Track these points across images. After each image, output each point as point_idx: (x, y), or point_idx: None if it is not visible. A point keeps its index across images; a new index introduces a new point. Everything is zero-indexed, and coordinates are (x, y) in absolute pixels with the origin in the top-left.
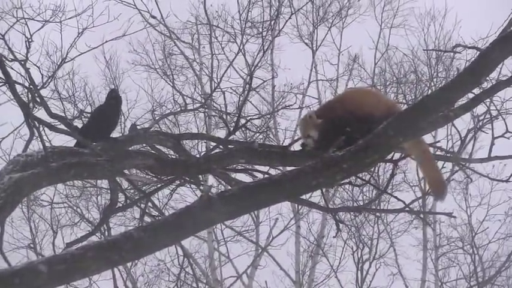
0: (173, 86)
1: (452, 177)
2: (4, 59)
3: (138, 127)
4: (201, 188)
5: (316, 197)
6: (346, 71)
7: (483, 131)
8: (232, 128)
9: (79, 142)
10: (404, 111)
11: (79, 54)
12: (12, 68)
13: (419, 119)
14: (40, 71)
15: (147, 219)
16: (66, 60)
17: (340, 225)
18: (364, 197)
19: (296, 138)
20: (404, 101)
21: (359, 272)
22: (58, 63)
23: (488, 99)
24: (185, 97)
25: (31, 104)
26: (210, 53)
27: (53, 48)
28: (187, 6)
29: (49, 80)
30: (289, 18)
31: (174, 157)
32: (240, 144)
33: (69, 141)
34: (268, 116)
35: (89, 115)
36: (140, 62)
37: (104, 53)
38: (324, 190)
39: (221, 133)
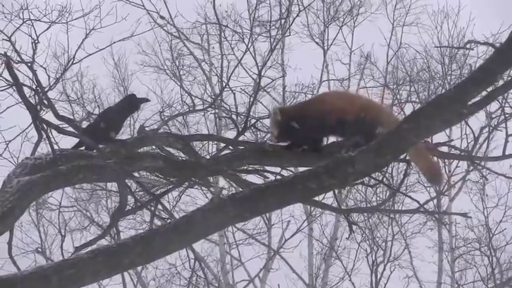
0: (182, 87)
1: (468, 177)
2: (11, 61)
3: (147, 129)
4: (212, 190)
5: (328, 198)
6: (357, 70)
7: (498, 129)
8: (241, 129)
9: (87, 144)
10: (419, 109)
11: (87, 56)
12: (19, 70)
13: (433, 117)
14: (47, 73)
15: (157, 222)
16: (74, 62)
17: (354, 227)
18: (378, 197)
19: None
20: (417, 99)
21: (373, 274)
22: (65, 65)
23: (502, 97)
24: (194, 97)
25: (38, 107)
26: (220, 53)
27: (60, 49)
28: (195, 6)
29: (56, 82)
30: (297, 15)
31: (183, 159)
32: (250, 145)
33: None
34: None
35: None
36: (149, 63)
37: (112, 54)
38: (336, 191)
39: (231, 134)
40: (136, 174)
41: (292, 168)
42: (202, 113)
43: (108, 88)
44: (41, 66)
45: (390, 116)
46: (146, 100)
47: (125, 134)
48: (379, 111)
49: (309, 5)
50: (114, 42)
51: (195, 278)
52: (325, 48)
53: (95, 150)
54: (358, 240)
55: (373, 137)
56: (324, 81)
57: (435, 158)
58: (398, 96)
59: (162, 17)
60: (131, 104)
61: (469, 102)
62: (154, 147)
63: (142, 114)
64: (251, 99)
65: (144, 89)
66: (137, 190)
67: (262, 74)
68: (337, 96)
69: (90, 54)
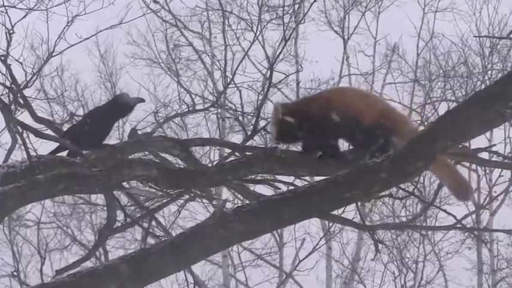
0: (179, 83)
1: None
2: None
3: (139, 132)
4: (214, 203)
5: (350, 212)
6: (383, 63)
7: None
8: (250, 132)
9: (69, 150)
10: (454, 109)
11: (68, 47)
12: None
13: (471, 117)
14: (23, 68)
15: (150, 240)
16: (54, 54)
17: (380, 245)
18: (407, 212)
19: None
20: (453, 97)
21: None
22: (44, 58)
23: None
24: (194, 95)
25: (13, 107)
26: (223, 43)
27: (38, 40)
28: None
29: (34, 78)
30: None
31: (181, 167)
32: (259, 150)
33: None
34: None
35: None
36: (141, 56)
37: (98, 45)
38: (359, 204)
39: (237, 138)
40: (126, 185)
41: (307, 178)
42: (203, 114)
43: (93, 84)
44: (17, 60)
45: (408, 125)
46: (140, 100)
47: (113, 138)
48: (397, 118)
49: None
50: (100, 31)
51: None
52: (346, 37)
53: (78, 157)
54: (385, 261)
55: (390, 148)
56: (344, 76)
57: (461, 169)
58: (430, 94)
59: (155, 1)
60: (122, 104)
61: None
62: (147, 153)
63: (133, 115)
64: (260, 98)
65: (135, 85)
66: (128, 203)
67: (273, 68)
68: (352, 95)
69: (72, 45)
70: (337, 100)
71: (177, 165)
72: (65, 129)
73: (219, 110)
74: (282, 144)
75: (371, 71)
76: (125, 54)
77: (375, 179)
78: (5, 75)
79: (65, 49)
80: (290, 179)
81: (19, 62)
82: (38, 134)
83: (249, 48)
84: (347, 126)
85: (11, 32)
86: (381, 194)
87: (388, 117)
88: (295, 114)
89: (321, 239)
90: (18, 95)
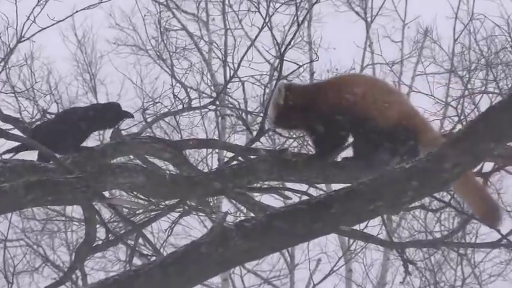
0: (172, 75)
1: None
2: None
3: (124, 132)
4: (213, 216)
5: (374, 227)
6: (413, 50)
7: None
8: (255, 132)
9: (40, 153)
10: (498, 104)
11: (39, 31)
12: None
13: None
14: None
15: (137, 261)
16: (22, 40)
17: (410, 267)
18: (443, 226)
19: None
20: (496, 90)
21: None
22: (11, 45)
23: None
24: (189, 90)
25: None
26: (223, 27)
27: (3, 24)
28: None
29: None
30: None
31: (173, 173)
32: (267, 153)
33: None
34: None
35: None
36: (125, 41)
37: (74, 28)
38: (385, 218)
39: (240, 139)
40: (108, 194)
41: (323, 186)
42: (200, 112)
43: (69, 76)
44: None
45: (432, 132)
46: (129, 116)
47: (91, 139)
48: (420, 124)
49: None
50: (77, 12)
51: None
52: (369, 20)
53: (50, 161)
54: (416, 286)
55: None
56: (367, 65)
57: (487, 187)
58: (469, 86)
59: None
60: (111, 115)
61: None
62: (133, 157)
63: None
64: (267, 92)
65: (119, 76)
66: (110, 217)
67: (283, 57)
68: (371, 88)
69: (43, 29)
70: (352, 92)
71: (169, 172)
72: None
73: (219, 107)
74: (280, 129)
75: (399, 60)
76: (106, 39)
77: (404, 188)
78: None
79: (35, 33)
80: (303, 187)
81: None
82: (3, 134)
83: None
84: (358, 124)
85: None
86: (411, 206)
87: (409, 122)
88: (301, 98)
89: (339, 259)
90: None
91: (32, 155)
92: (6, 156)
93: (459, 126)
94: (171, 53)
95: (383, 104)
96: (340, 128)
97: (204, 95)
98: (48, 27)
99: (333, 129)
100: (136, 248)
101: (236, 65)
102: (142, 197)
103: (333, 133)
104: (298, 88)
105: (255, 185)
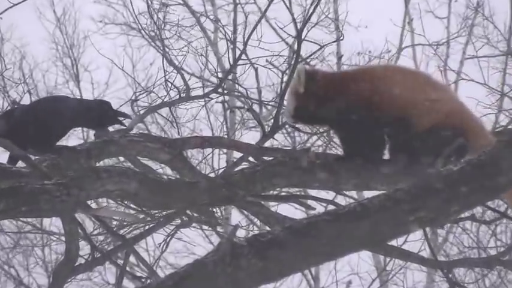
0: (167, 58)
1: None
2: None
3: (111, 129)
4: (220, 230)
5: (415, 242)
6: (462, 28)
7: None
8: (269, 128)
9: (11, 153)
10: None
11: (10, 7)
12: None
13: None
14: None
15: (128, 284)
16: None
17: None
18: (498, 242)
19: None
20: None
21: None
22: None
23: None
24: (188, 76)
25: None
26: (232, 1)
27: None
28: None
29: None
30: None
31: (171, 178)
32: (284, 154)
33: None
34: None
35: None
36: (113, 19)
37: (52, 4)
38: (428, 231)
39: (252, 136)
40: (93, 204)
41: (353, 193)
42: (203, 102)
43: (46, 61)
44: None
45: (486, 137)
46: (125, 116)
47: (72, 136)
48: (471, 126)
49: None
50: None
51: None
52: None
53: (23, 163)
54: None
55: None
56: (406, 46)
57: None
58: None
59: None
60: (100, 115)
61: None
62: (123, 159)
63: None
64: (284, 78)
65: (105, 61)
66: (95, 231)
67: (303, 37)
68: (414, 81)
69: (14, 5)
70: (388, 86)
71: (166, 176)
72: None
73: (226, 98)
74: (299, 124)
75: (444, 40)
76: (90, 17)
77: (451, 195)
78: None
79: (5, 10)
80: (329, 195)
81: None
82: None
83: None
84: (394, 123)
85: None
86: (459, 217)
87: (455, 120)
88: (325, 87)
89: (373, 281)
90: None
91: (1, 157)
92: None
93: None
94: (167, 32)
95: (424, 101)
96: (372, 127)
97: (208, 83)
98: (20, 2)
99: (364, 127)
100: (127, 268)
101: (244, 45)
102: (134, 206)
103: (364, 132)
104: (323, 75)
105: (271, 192)
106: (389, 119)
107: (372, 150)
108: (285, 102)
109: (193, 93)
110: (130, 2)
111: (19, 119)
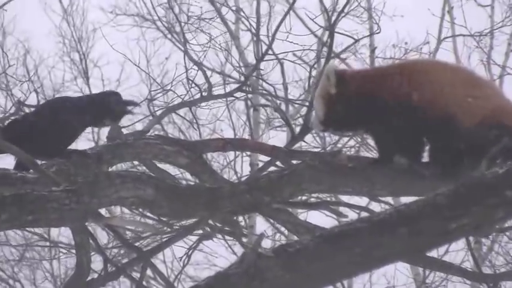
0: (188, 54)
1: None
2: None
3: (125, 130)
4: (244, 240)
5: (457, 253)
6: (507, 17)
7: None
8: (298, 129)
9: (18, 158)
10: None
11: None
12: None
13: None
14: None
15: None
16: None
17: None
18: None
19: None
20: None
21: None
22: None
23: None
24: (210, 73)
25: None
26: None
27: None
28: None
29: None
30: None
31: (191, 184)
32: (314, 156)
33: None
34: None
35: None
36: (125, 10)
37: None
38: (472, 240)
39: (278, 138)
40: (105, 212)
41: (389, 199)
42: (225, 101)
43: (53, 56)
44: None
45: None
46: (134, 104)
47: (83, 139)
48: None
49: None
50: None
51: None
52: None
53: (30, 170)
54: None
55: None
56: (445, 38)
57: None
58: None
59: None
60: (108, 107)
61: None
62: (137, 162)
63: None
64: (314, 74)
65: (117, 56)
66: (109, 243)
67: (334, 28)
68: (455, 77)
69: None
70: (427, 82)
71: (185, 182)
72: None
73: (250, 96)
74: (328, 132)
75: (487, 30)
76: (100, 7)
77: (497, 200)
78: None
79: (8, 1)
80: (363, 201)
81: None
82: None
83: None
84: (435, 123)
85: None
86: (506, 225)
87: (501, 118)
88: (358, 86)
89: None
90: None
91: (7, 162)
92: None
93: None
94: (185, 25)
95: (467, 98)
96: (411, 127)
97: (230, 79)
98: None
99: (402, 127)
100: (144, 283)
101: (271, 38)
102: (150, 215)
103: (401, 133)
104: (352, 74)
105: (299, 198)
106: (429, 117)
107: (410, 153)
108: (314, 107)
109: (214, 91)
110: None
111: (27, 124)
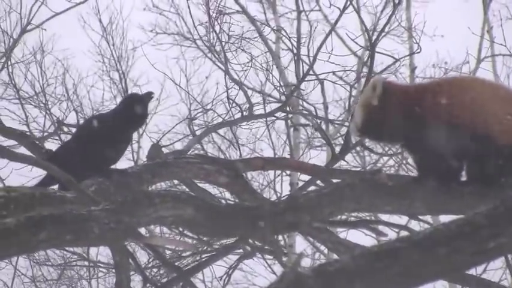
0: (229, 73)
1: None
2: None
3: (165, 149)
4: (284, 259)
5: (495, 271)
6: None
7: None
8: (340, 148)
9: (57, 178)
10: None
11: (52, 16)
12: None
13: None
14: None
15: None
16: (29, 28)
17: None
18: None
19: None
20: None
21: None
22: (14, 35)
23: None
24: (250, 92)
25: None
26: (296, 9)
27: (5, 7)
28: None
29: None
30: None
31: (231, 203)
32: (354, 175)
33: (34, 177)
34: None
35: (74, 129)
36: (165, 29)
37: (98, 12)
38: (511, 258)
39: (319, 157)
40: (145, 232)
41: (428, 218)
42: (266, 121)
43: (92, 75)
44: None
45: None
46: (149, 95)
47: (122, 158)
48: None
49: None
50: None
51: None
52: None
53: (69, 189)
54: None
55: None
56: (485, 57)
57: None
58: None
59: None
60: (132, 109)
61: None
62: (177, 181)
63: (156, 120)
64: (354, 94)
65: (157, 75)
66: (148, 262)
67: (375, 48)
68: (495, 95)
69: (57, 14)
70: (467, 100)
71: (225, 201)
72: (47, 144)
73: (290, 116)
74: (366, 138)
75: None
76: (140, 26)
77: None
78: None
79: (47, 20)
80: (402, 220)
81: None
82: (6, 153)
83: (339, 18)
84: (474, 141)
85: None
86: None
87: None
88: (400, 100)
89: None
90: None
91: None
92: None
93: None
94: (226, 44)
95: (506, 115)
96: (449, 145)
97: (270, 98)
98: (63, 11)
99: (441, 144)
100: None
101: (312, 58)
102: (190, 234)
103: (440, 150)
104: (397, 88)
105: (339, 217)
106: (468, 134)
107: (448, 171)
108: (354, 115)
109: (255, 111)
110: (189, 12)
111: (66, 145)
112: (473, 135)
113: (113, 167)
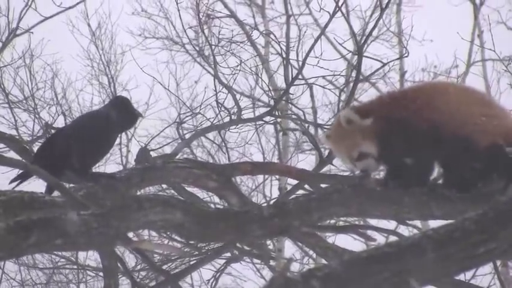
0: (218, 77)
1: None
2: None
3: (153, 153)
4: (272, 264)
5: (484, 277)
6: None
7: None
8: (327, 152)
9: (48, 182)
10: None
11: (41, 21)
12: None
13: None
14: None
15: None
16: (19, 32)
17: None
18: None
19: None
20: None
21: None
22: (4, 39)
23: None
24: (239, 96)
25: None
26: (285, 13)
27: None
28: None
29: None
30: None
31: (220, 208)
32: (342, 180)
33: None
34: None
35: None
36: (154, 33)
37: (87, 17)
38: (499, 264)
39: (307, 161)
40: (134, 236)
41: (417, 223)
42: (254, 125)
43: (81, 79)
44: None
45: None
46: (139, 115)
47: (111, 162)
48: None
49: None
50: None
51: None
52: (477, 1)
53: (58, 193)
54: None
55: None
56: (474, 62)
57: None
58: None
59: None
60: (125, 111)
61: None
62: (166, 186)
63: (145, 124)
64: (342, 98)
65: (146, 79)
66: (137, 266)
67: (363, 52)
68: (467, 98)
69: (46, 18)
70: (440, 104)
71: (213, 206)
72: (36, 148)
73: (279, 120)
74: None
75: None
76: (129, 31)
77: None
78: None
79: (36, 24)
80: (391, 224)
81: None
82: None
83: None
84: (453, 144)
85: None
86: None
87: None
88: (380, 116)
89: None
90: None
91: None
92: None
93: None
94: (215, 48)
95: (481, 117)
96: (426, 149)
97: (259, 103)
98: (52, 16)
99: (418, 151)
100: None
101: (301, 63)
102: (178, 238)
103: (418, 156)
104: (370, 104)
105: (328, 222)
106: (444, 137)
107: (425, 175)
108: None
109: (244, 115)
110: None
111: (53, 145)
112: (450, 137)
113: (102, 171)
